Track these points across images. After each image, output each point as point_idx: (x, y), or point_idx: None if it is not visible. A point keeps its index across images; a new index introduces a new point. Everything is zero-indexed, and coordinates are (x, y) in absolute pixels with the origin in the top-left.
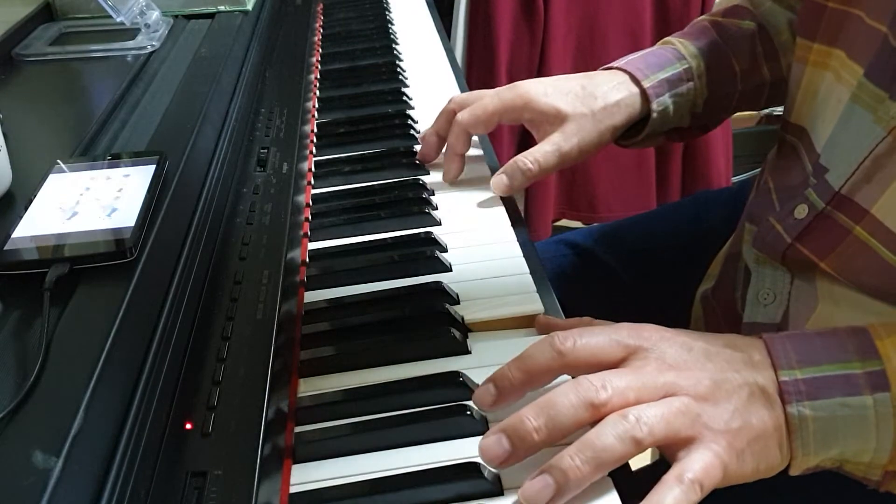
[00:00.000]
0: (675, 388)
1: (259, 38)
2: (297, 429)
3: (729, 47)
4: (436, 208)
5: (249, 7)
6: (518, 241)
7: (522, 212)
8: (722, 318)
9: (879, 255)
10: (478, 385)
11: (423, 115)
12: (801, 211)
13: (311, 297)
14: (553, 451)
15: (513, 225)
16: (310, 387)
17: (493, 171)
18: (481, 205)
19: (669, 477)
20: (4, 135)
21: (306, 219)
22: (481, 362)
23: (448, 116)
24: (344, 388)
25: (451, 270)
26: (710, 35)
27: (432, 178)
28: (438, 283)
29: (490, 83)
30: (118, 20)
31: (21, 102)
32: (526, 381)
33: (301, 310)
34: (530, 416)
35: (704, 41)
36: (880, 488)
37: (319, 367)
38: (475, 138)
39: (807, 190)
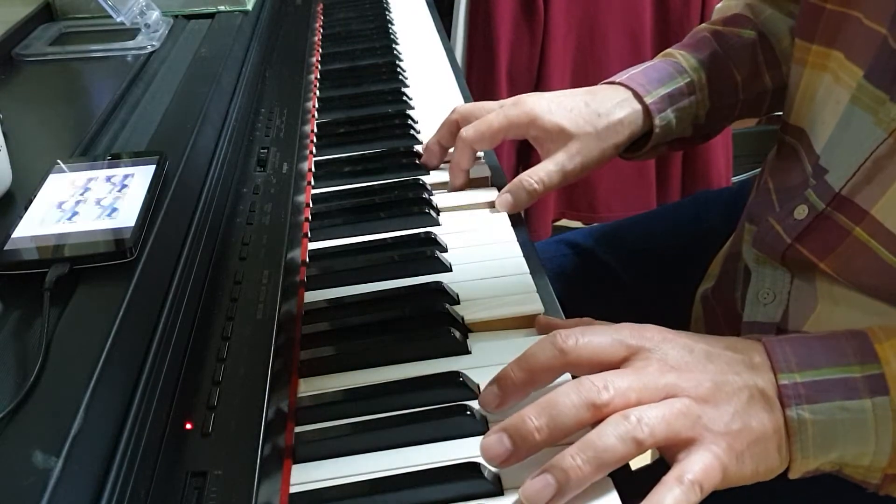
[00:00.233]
0: (676, 389)
1: (259, 38)
2: (297, 429)
3: (730, 57)
4: (436, 208)
5: (249, 7)
6: (518, 241)
7: (522, 212)
8: (722, 317)
9: (879, 256)
10: (478, 385)
11: (423, 115)
12: (801, 211)
13: (311, 297)
14: (554, 451)
15: (513, 225)
16: (310, 387)
17: (494, 171)
18: (481, 205)
19: (669, 478)
20: (4, 135)
21: (306, 219)
22: (481, 362)
23: (451, 128)
24: (344, 388)
25: (451, 270)
26: (711, 46)
27: (432, 178)
28: (438, 283)
29: (490, 83)
30: (118, 20)
31: (21, 102)
32: (528, 380)
33: (301, 310)
34: (532, 416)
35: (705, 52)
36: (880, 491)
37: (319, 367)
38: None
39: (807, 191)
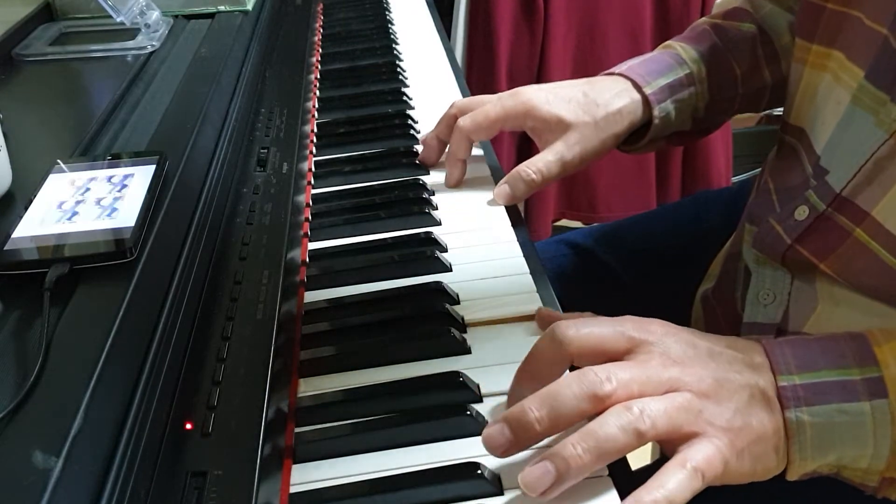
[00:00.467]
0: (678, 383)
1: (259, 38)
2: (297, 429)
3: (729, 51)
4: (436, 208)
5: (249, 7)
6: (518, 241)
7: (522, 212)
8: (722, 318)
9: (880, 258)
10: (478, 385)
11: (423, 115)
12: (802, 212)
13: (311, 297)
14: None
15: (513, 225)
16: (310, 387)
17: (494, 170)
18: (481, 205)
19: (672, 463)
20: (4, 135)
21: (306, 219)
22: (481, 362)
23: (449, 122)
24: (344, 388)
25: (451, 270)
26: (711, 39)
27: (432, 178)
28: (438, 283)
29: (490, 83)
30: (118, 20)
31: (21, 102)
32: (532, 377)
33: (301, 310)
34: (533, 406)
35: (705, 45)
36: (877, 494)
37: (319, 367)
38: None
39: (807, 191)
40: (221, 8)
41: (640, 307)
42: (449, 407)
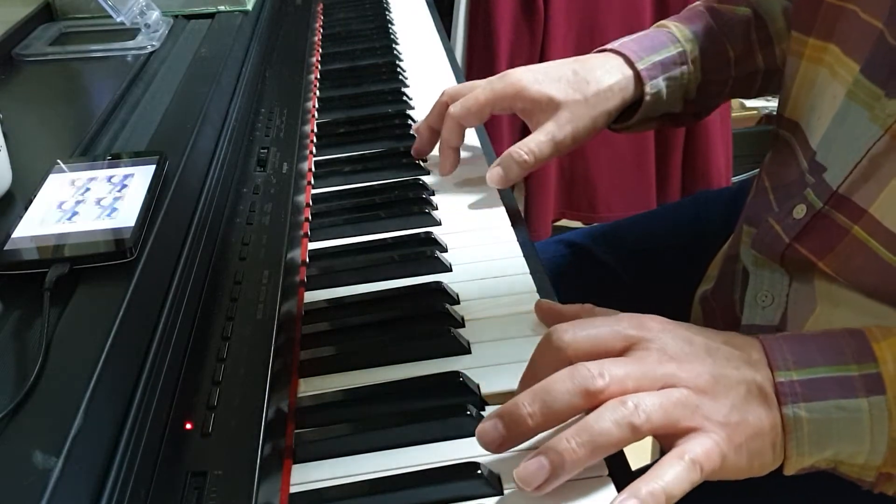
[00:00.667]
0: (674, 379)
1: (259, 38)
2: (297, 429)
3: (723, 33)
4: (436, 208)
5: (249, 7)
6: (518, 241)
7: (522, 212)
8: (721, 319)
9: (878, 255)
10: (478, 385)
11: (423, 115)
12: (800, 211)
13: (311, 297)
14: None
15: (513, 225)
16: (310, 387)
17: None
18: (481, 205)
19: (670, 456)
20: (4, 135)
21: (306, 219)
22: (481, 362)
23: (441, 109)
24: (344, 388)
25: (451, 270)
26: (706, 20)
27: (432, 178)
28: (438, 283)
29: None
30: (118, 20)
31: (21, 102)
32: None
33: (301, 310)
34: (525, 402)
35: (699, 25)
36: (874, 490)
37: (319, 367)
38: (476, 137)
39: (805, 190)
40: (221, 8)
41: (639, 308)
42: (449, 407)
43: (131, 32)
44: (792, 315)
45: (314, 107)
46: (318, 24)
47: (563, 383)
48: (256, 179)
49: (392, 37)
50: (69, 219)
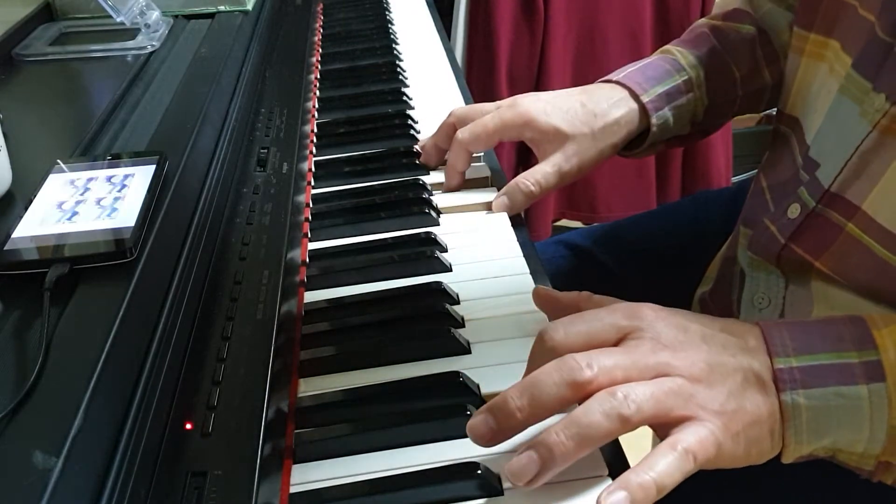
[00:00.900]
0: (668, 368)
1: (259, 38)
2: (297, 429)
3: (728, 54)
4: (436, 208)
5: (249, 7)
6: (518, 241)
7: (522, 212)
8: None
9: (873, 252)
10: (478, 385)
11: (423, 115)
12: (794, 210)
13: (311, 297)
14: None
15: (513, 225)
16: (310, 387)
17: (494, 172)
18: (481, 205)
19: (663, 445)
20: (4, 135)
21: (306, 219)
22: (481, 362)
23: (448, 130)
24: (344, 388)
25: (451, 270)
26: (710, 42)
27: (432, 178)
28: (438, 283)
29: (490, 83)
30: (118, 20)
31: (21, 102)
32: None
33: (301, 310)
34: (514, 396)
35: (704, 49)
36: (873, 478)
37: (319, 367)
38: None
39: (799, 189)
40: (221, 8)
41: None
42: (449, 407)
43: (131, 32)
44: (789, 317)
45: (314, 107)
46: (318, 24)
47: (549, 376)
48: (256, 179)
49: (392, 37)
50: (69, 219)
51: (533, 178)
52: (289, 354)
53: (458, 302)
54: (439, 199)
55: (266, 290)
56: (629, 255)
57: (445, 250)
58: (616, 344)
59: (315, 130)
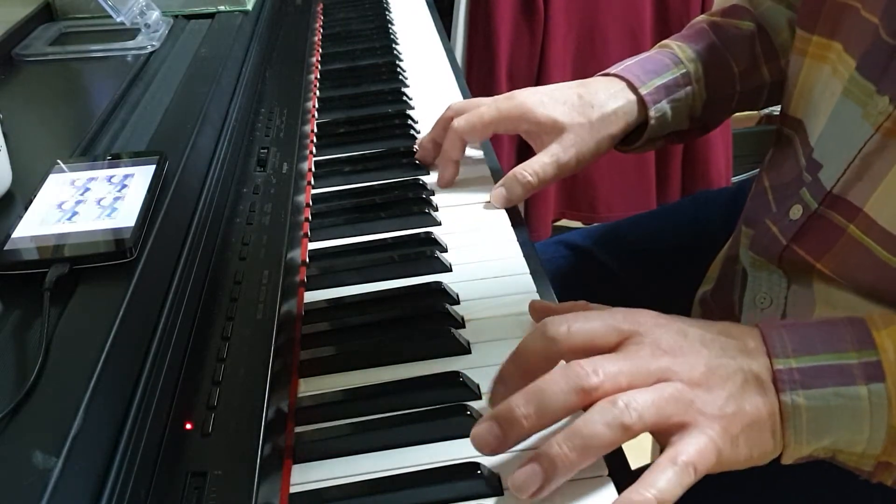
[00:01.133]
0: (668, 373)
1: (259, 38)
2: (297, 429)
3: (727, 49)
4: (436, 208)
5: (249, 7)
6: (518, 241)
7: (522, 212)
8: (720, 320)
9: (874, 254)
10: (478, 385)
11: (423, 115)
12: (796, 211)
13: (311, 297)
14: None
15: (513, 225)
16: (310, 387)
17: (494, 171)
18: (481, 205)
19: (663, 459)
20: (4, 135)
21: (306, 219)
22: (481, 362)
23: (445, 124)
24: (344, 388)
25: (451, 270)
26: (708, 37)
27: (432, 178)
28: (438, 283)
29: (490, 83)
30: (118, 20)
31: (21, 102)
32: (524, 372)
33: (301, 310)
34: (520, 404)
35: (702, 44)
36: (872, 479)
37: (319, 367)
38: None
39: (801, 190)
40: (221, 8)
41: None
42: (449, 407)
43: (131, 32)
44: (791, 317)
45: (314, 107)
46: (318, 24)
47: (556, 383)
48: (256, 179)
49: (392, 37)
50: (69, 219)
51: (531, 168)
52: (289, 354)
53: (458, 302)
54: (439, 198)
55: (266, 290)
56: (629, 255)
57: (445, 250)
58: (614, 347)
59: (315, 130)
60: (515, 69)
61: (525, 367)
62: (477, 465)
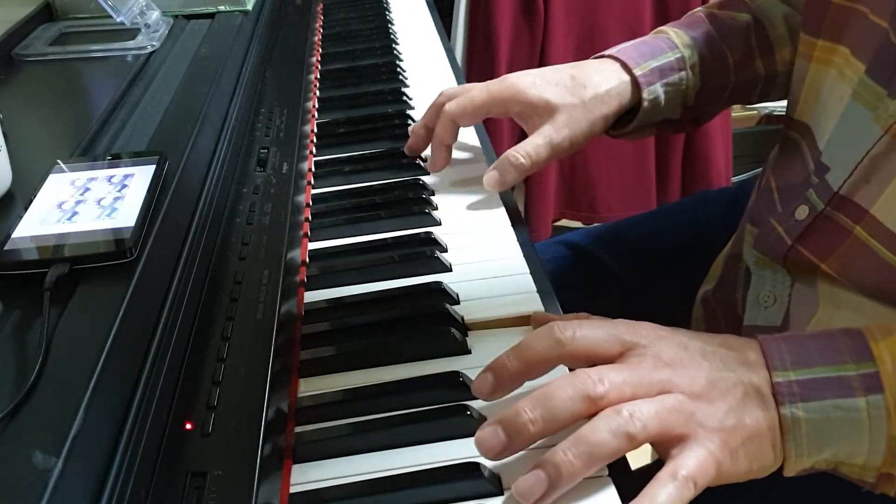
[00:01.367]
0: (670, 385)
1: (259, 38)
2: (297, 429)
3: (723, 39)
4: (436, 208)
5: (249, 7)
6: (518, 241)
7: (522, 212)
8: (722, 319)
9: (880, 256)
10: None
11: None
12: (802, 212)
13: (311, 297)
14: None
15: (513, 225)
16: (310, 387)
17: None
18: (481, 205)
19: (663, 474)
20: (4, 135)
21: (306, 219)
22: (481, 362)
23: (437, 109)
24: (344, 388)
25: (451, 270)
26: (705, 26)
27: (432, 178)
28: (438, 283)
29: None
30: (118, 20)
31: (21, 102)
32: (523, 369)
33: (301, 310)
34: (526, 408)
35: (699, 32)
36: (875, 490)
37: (319, 367)
38: (476, 137)
39: (808, 191)
40: (221, 8)
41: (639, 308)
42: (449, 407)
43: (131, 32)
44: (794, 316)
45: (314, 107)
46: (318, 24)
47: (563, 389)
48: (256, 179)
49: (392, 37)
50: (69, 219)
51: (524, 150)
52: (289, 354)
53: (458, 302)
54: (439, 198)
55: (266, 290)
56: (629, 255)
57: (445, 250)
58: (616, 357)
59: (315, 130)
60: (515, 69)
61: (524, 362)
62: (477, 466)
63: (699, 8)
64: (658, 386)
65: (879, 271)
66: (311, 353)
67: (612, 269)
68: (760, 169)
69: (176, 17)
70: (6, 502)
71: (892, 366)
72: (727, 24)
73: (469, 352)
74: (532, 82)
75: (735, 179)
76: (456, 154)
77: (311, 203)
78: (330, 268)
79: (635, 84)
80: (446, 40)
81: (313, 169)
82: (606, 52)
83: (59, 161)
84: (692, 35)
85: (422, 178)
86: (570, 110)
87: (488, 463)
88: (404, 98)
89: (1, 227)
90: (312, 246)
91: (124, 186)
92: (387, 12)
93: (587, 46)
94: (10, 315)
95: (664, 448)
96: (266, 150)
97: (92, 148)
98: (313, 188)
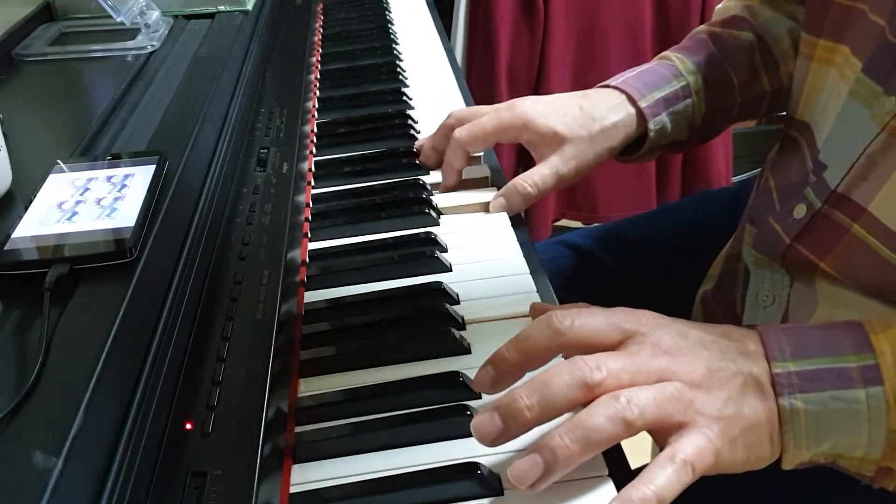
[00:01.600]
0: (668, 373)
1: (259, 38)
2: (297, 429)
3: (727, 60)
4: (436, 208)
5: (249, 7)
6: (518, 241)
7: (522, 212)
8: (722, 319)
9: (878, 253)
10: None
11: (423, 115)
12: (800, 211)
13: (311, 297)
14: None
15: (513, 225)
16: (310, 387)
17: (494, 171)
18: (481, 205)
19: (662, 457)
20: (4, 135)
21: (306, 219)
22: (481, 362)
23: (446, 132)
24: (344, 388)
25: (451, 270)
26: (708, 49)
27: (432, 178)
28: (438, 283)
29: (490, 84)
30: (118, 20)
31: (21, 102)
32: (523, 360)
33: (301, 310)
34: (523, 395)
35: (702, 55)
36: (874, 485)
37: (319, 367)
38: None
39: (806, 189)
40: (221, 8)
41: (639, 308)
42: (449, 407)
43: (131, 32)
44: (793, 315)
45: (314, 107)
46: (318, 24)
47: (560, 376)
48: (256, 179)
49: (392, 37)
50: (69, 219)
51: (531, 179)
52: (289, 354)
53: (458, 302)
54: (439, 199)
55: (266, 290)
56: (629, 255)
57: (445, 250)
58: (616, 346)
59: (315, 130)
60: (515, 69)
61: (524, 353)
62: (477, 466)
63: (702, 27)
64: (657, 374)
65: (877, 269)
66: (311, 353)
67: (612, 269)
68: (760, 169)
69: (176, 17)
70: (6, 502)
71: (892, 358)
72: (730, 44)
73: (469, 352)
74: (542, 112)
75: (735, 179)
76: None
77: (311, 203)
78: (330, 268)
79: (641, 116)
80: (446, 40)
81: (313, 169)
82: (612, 82)
83: (59, 161)
84: (696, 60)
85: (422, 178)
86: (578, 142)
87: (488, 463)
88: (404, 98)
89: (1, 227)
90: (312, 246)
91: (124, 186)
92: (387, 12)
93: (587, 46)
94: (10, 315)
95: (662, 436)
96: (266, 150)
97: (92, 148)
98: (313, 188)
